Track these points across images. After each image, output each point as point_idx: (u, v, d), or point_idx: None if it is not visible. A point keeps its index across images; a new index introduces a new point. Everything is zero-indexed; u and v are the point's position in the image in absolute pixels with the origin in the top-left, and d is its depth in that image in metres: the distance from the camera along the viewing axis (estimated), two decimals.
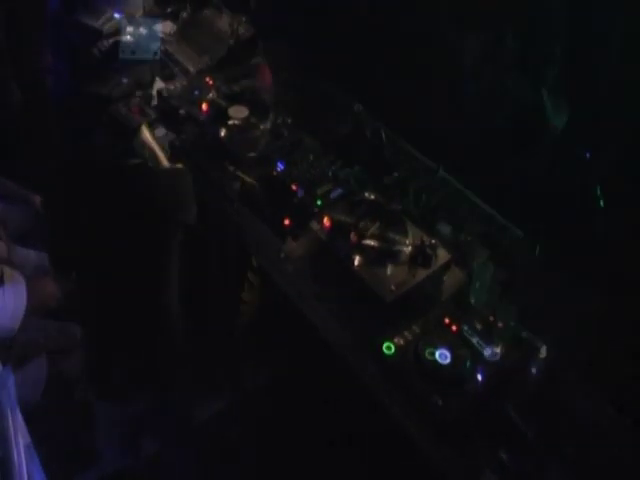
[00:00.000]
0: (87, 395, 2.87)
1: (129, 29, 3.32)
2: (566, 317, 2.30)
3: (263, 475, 2.81)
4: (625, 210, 2.26)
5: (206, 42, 3.40)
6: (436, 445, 2.05)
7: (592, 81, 2.25)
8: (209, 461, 2.87)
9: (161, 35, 3.38)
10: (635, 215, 2.22)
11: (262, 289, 2.83)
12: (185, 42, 3.43)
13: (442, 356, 2.17)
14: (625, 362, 2.19)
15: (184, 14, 3.53)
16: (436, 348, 2.18)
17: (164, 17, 3.49)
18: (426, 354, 2.17)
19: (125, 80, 3.30)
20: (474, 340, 2.21)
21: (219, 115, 2.92)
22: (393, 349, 2.21)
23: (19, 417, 1.99)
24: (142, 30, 3.33)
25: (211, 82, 3.16)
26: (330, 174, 2.73)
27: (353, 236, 2.42)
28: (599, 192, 2.24)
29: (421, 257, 2.36)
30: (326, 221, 2.48)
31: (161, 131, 3.02)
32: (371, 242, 2.40)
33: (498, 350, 2.20)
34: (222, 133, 2.87)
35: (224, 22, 3.42)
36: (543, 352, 2.22)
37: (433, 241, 2.40)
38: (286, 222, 2.58)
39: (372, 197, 2.57)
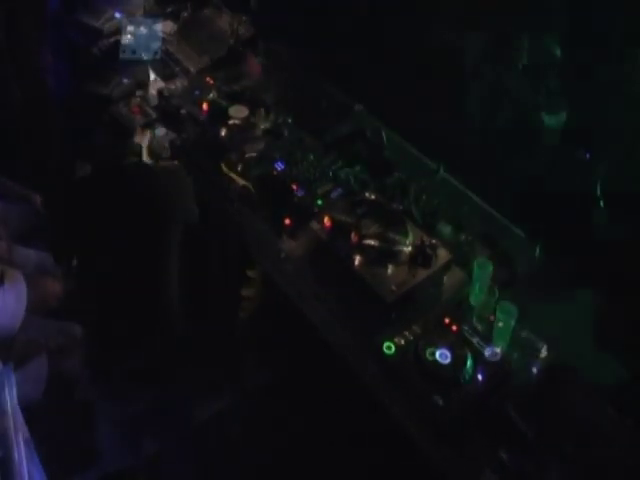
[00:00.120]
0: (87, 395, 2.87)
1: (129, 29, 3.33)
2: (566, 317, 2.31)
3: (263, 475, 2.81)
4: (625, 210, 2.26)
5: (206, 42, 3.41)
6: (436, 445, 2.05)
7: (591, 81, 2.25)
8: (209, 461, 2.86)
9: (161, 35, 3.39)
10: (635, 215, 2.22)
11: (262, 287, 2.84)
12: (185, 42, 3.44)
13: (442, 356, 2.17)
14: (625, 362, 2.18)
15: (184, 14, 3.54)
16: (436, 348, 2.18)
17: (164, 17, 3.49)
18: (426, 354, 2.17)
19: (125, 80, 3.31)
20: (474, 340, 2.21)
21: (219, 115, 2.93)
22: (393, 349, 2.21)
23: (20, 416, 2.00)
24: (142, 30, 3.34)
25: (211, 82, 3.16)
26: (330, 174, 2.73)
27: (354, 236, 2.43)
28: (599, 192, 2.24)
29: (421, 257, 2.36)
30: (327, 221, 2.49)
31: (161, 131, 3.02)
32: (371, 242, 2.41)
33: (498, 350, 2.20)
34: (222, 133, 2.87)
35: (224, 22, 3.44)
36: (543, 352, 2.22)
37: (433, 241, 2.41)
38: (287, 222, 2.59)
39: (373, 197, 2.58)
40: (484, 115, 2.62)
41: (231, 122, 2.90)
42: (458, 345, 2.20)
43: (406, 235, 2.42)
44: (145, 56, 3.37)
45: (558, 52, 2.34)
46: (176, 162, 2.89)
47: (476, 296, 2.33)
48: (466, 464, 2.02)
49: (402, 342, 2.23)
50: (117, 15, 3.35)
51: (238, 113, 2.92)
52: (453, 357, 2.16)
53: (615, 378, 2.17)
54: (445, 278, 2.40)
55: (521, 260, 2.48)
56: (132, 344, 2.71)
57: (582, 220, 2.35)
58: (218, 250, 2.93)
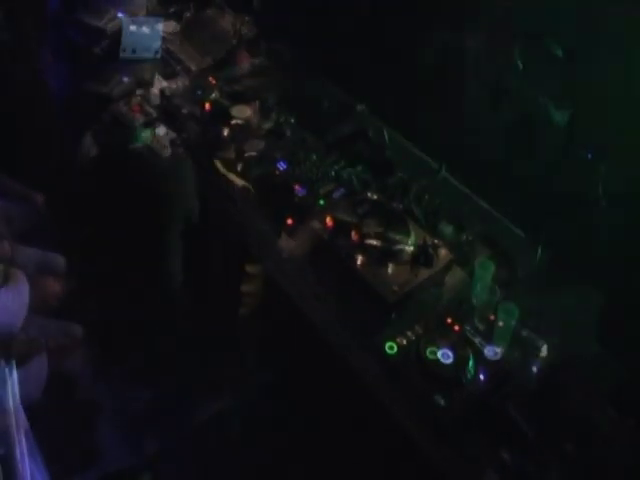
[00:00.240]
0: (88, 394, 2.88)
1: (130, 28, 3.32)
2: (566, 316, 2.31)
3: (263, 475, 2.81)
4: (626, 211, 2.27)
5: (209, 42, 3.41)
6: (438, 445, 2.06)
7: (592, 81, 2.26)
8: (209, 461, 2.86)
9: (163, 34, 3.39)
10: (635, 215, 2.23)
11: (263, 284, 2.84)
12: (188, 42, 3.43)
13: (444, 356, 2.17)
14: (625, 362, 2.19)
15: (187, 14, 3.53)
16: (438, 348, 2.19)
17: (167, 17, 3.49)
18: (428, 354, 2.18)
19: (126, 79, 3.31)
20: (476, 340, 2.22)
21: (222, 114, 2.93)
22: (395, 349, 2.22)
23: (22, 414, 2.00)
24: (143, 29, 3.34)
25: (214, 82, 3.16)
26: (333, 174, 2.73)
27: (355, 236, 2.43)
28: (600, 192, 2.25)
29: (423, 257, 2.37)
30: (328, 221, 2.49)
31: (162, 130, 3.03)
32: (373, 242, 2.41)
33: (499, 350, 2.20)
34: (225, 132, 2.87)
35: (227, 22, 3.43)
36: (544, 351, 2.22)
37: (435, 241, 2.41)
38: (288, 222, 2.59)
39: (375, 197, 2.59)
40: (485, 114, 2.62)
41: (234, 122, 2.90)
42: (460, 345, 2.20)
43: (408, 235, 2.43)
44: (145, 55, 3.37)
45: (559, 51, 2.35)
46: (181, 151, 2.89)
47: (477, 296, 2.33)
48: (468, 464, 2.02)
49: (404, 342, 2.24)
50: (120, 15, 3.34)
51: (240, 113, 2.93)
52: (455, 357, 2.17)
53: (615, 378, 2.18)
54: (447, 278, 2.41)
55: (522, 260, 2.49)
56: (133, 341, 2.71)
57: (583, 220, 2.36)
58: (219, 248, 2.94)
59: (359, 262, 2.39)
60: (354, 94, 3.10)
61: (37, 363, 2.51)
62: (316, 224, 2.52)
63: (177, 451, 2.90)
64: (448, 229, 2.53)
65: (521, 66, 2.46)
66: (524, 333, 2.26)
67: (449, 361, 2.16)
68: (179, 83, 3.21)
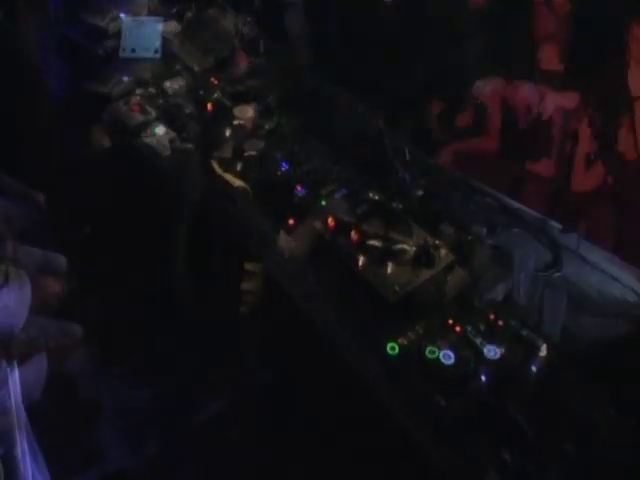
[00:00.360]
0: (88, 394, 2.87)
1: (130, 27, 3.32)
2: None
3: (263, 475, 2.81)
4: None
5: (210, 42, 3.40)
6: (439, 445, 2.06)
7: None
8: (209, 461, 2.86)
9: (162, 34, 3.39)
10: None
11: (263, 282, 2.83)
12: (190, 42, 3.43)
13: (446, 356, 2.18)
14: (625, 362, 2.20)
15: (189, 14, 3.53)
16: (440, 349, 2.19)
17: (169, 17, 3.49)
18: (430, 355, 2.18)
19: (125, 78, 3.31)
20: (477, 341, 2.22)
21: (224, 115, 2.93)
22: (397, 350, 2.22)
23: (23, 414, 1.99)
24: (143, 29, 3.34)
25: (216, 82, 3.16)
26: (334, 174, 2.74)
27: (354, 235, 2.43)
28: None
29: (425, 257, 2.37)
30: (330, 221, 2.49)
31: (161, 129, 3.03)
32: (375, 242, 2.41)
33: (499, 350, 2.21)
34: (227, 133, 2.87)
35: (228, 22, 3.43)
36: (543, 351, 2.23)
37: (437, 241, 2.42)
38: (290, 222, 2.59)
39: (376, 197, 2.59)
40: None
41: (236, 122, 2.90)
42: (461, 346, 2.21)
43: (410, 235, 2.43)
44: (145, 55, 3.37)
45: None
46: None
47: (478, 296, 2.34)
48: (469, 464, 2.02)
49: (405, 342, 2.24)
50: (122, 15, 3.34)
51: (243, 113, 2.93)
52: (456, 358, 2.17)
53: (615, 378, 2.18)
54: (449, 278, 2.41)
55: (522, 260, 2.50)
56: (133, 343, 2.72)
57: None
58: (219, 247, 2.94)
59: (360, 262, 2.39)
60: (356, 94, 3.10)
61: (37, 363, 2.50)
62: (317, 224, 2.52)
63: (177, 451, 2.89)
64: (450, 229, 2.53)
65: None
66: (524, 332, 2.26)
67: (450, 362, 2.16)
68: (180, 83, 3.21)
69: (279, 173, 2.74)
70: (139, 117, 3.12)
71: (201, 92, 3.08)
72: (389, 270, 2.37)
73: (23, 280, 2.33)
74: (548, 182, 3.00)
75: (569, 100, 2.88)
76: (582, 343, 2.25)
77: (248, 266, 2.78)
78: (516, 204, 2.72)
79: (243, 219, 2.72)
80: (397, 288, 2.32)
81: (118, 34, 3.32)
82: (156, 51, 3.36)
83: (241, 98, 3.02)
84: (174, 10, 3.55)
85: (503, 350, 2.21)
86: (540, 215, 2.67)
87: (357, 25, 3.13)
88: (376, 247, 2.41)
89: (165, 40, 3.37)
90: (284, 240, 2.57)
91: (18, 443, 1.92)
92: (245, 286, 2.82)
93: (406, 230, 2.44)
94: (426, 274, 2.36)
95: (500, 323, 2.23)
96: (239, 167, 2.81)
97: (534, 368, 2.20)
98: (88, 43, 3.38)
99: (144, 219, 3.18)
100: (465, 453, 2.02)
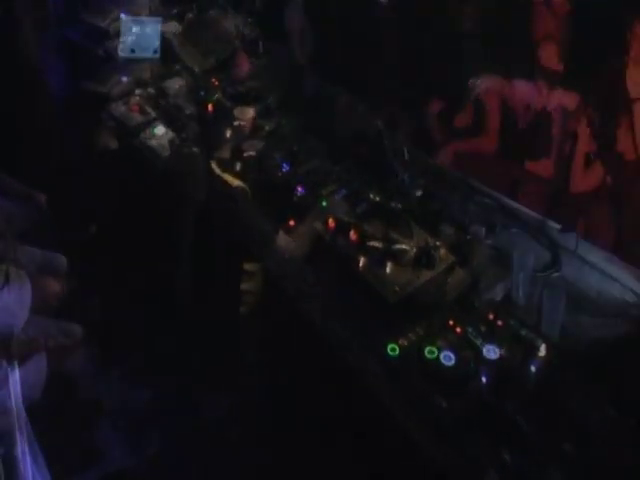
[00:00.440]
0: (88, 394, 2.87)
1: (129, 28, 3.32)
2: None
3: (263, 475, 2.81)
4: None
5: (211, 43, 3.40)
6: (440, 446, 2.06)
7: None
8: (209, 461, 2.86)
9: (162, 34, 3.38)
10: None
11: (262, 282, 2.84)
12: (190, 42, 3.43)
13: (446, 358, 2.18)
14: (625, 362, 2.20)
15: (189, 14, 3.53)
16: (440, 350, 2.19)
17: (170, 17, 3.49)
18: (430, 356, 2.18)
19: (124, 78, 3.31)
20: (478, 342, 2.22)
21: (224, 115, 2.93)
22: (397, 350, 2.22)
23: (23, 414, 2.00)
24: (142, 29, 3.34)
25: (216, 82, 3.16)
26: (334, 174, 2.74)
27: (357, 237, 2.44)
28: None
29: (425, 258, 2.37)
30: (330, 222, 2.50)
31: (160, 130, 3.03)
32: (375, 243, 2.42)
33: (499, 350, 2.21)
34: (227, 134, 2.87)
35: (229, 23, 3.43)
36: (542, 351, 2.23)
37: (437, 242, 2.42)
38: (290, 222, 2.59)
39: (377, 198, 2.59)
40: None
41: (236, 123, 2.90)
42: (462, 347, 2.21)
43: (410, 236, 2.43)
44: (144, 55, 3.36)
45: None
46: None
47: (479, 297, 2.34)
48: (468, 464, 2.03)
49: (406, 343, 2.24)
50: (122, 16, 3.34)
51: (243, 114, 2.93)
52: (457, 359, 2.17)
53: (615, 378, 2.19)
54: (449, 279, 2.41)
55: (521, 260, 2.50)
56: (133, 343, 2.72)
57: None
58: (219, 247, 2.94)
59: (361, 263, 2.39)
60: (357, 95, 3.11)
61: (37, 363, 2.51)
62: (318, 225, 2.53)
63: (177, 451, 2.89)
64: (450, 230, 2.53)
65: None
66: (523, 332, 2.26)
67: (450, 363, 2.16)
68: (179, 83, 3.21)
69: (279, 174, 2.74)
70: (138, 117, 3.12)
71: (201, 93, 3.08)
72: (389, 271, 2.37)
73: (23, 280, 2.33)
74: (547, 182, 3.00)
75: (569, 100, 2.88)
76: (581, 343, 2.25)
77: (248, 266, 2.78)
78: (515, 204, 2.72)
79: (243, 219, 2.71)
80: (397, 289, 2.32)
81: (119, 34, 3.32)
82: (155, 51, 3.36)
83: (241, 99, 3.02)
84: (175, 11, 3.55)
85: (503, 350, 2.21)
86: (539, 215, 2.68)
87: (356, 25, 3.12)
88: (376, 248, 2.41)
89: (165, 40, 3.36)
90: (284, 240, 2.57)
91: (18, 443, 1.92)
92: (245, 286, 2.83)
93: (406, 231, 2.45)
94: (426, 275, 2.36)
95: (500, 323, 2.23)
96: (238, 168, 2.81)
97: (533, 368, 2.21)
98: (88, 43, 3.37)
99: (144, 219, 3.18)
100: (465, 453, 2.02)
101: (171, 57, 3.36)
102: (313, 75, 3.27)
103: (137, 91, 3.25)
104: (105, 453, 2.84)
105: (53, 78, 3.48)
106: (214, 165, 2.80)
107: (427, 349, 2.19)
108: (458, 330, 2.26)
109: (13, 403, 2.00)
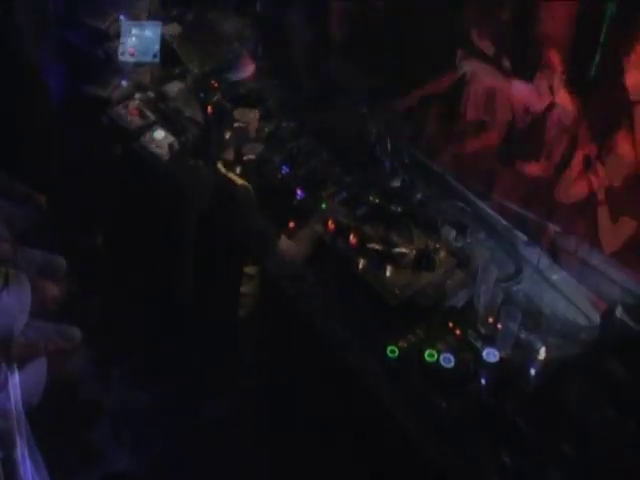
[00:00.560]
0: (88, 394, 2.87)
1: (129, 31, 3.31)
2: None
3: (263, 475, 2.82)
4: None
5: (211, 45, 3.39)
6: (439, 447, 2.07)
7: None
8: (209, 462, 2.87)
9: (161, 37, 3.37)
10: None
11: (261, 284, 2.84)
12: (190, 44, 3.42)
13: (446, 360, 2.19)
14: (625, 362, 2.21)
15: (189, 16, 3.52)
16: (440, 352, 2.20)
17: (169, 19, 3.48)
18: (430, 358, 2.19)
19: (124, 82, 3.30)
20: (477, 344, 2.23)
21: (224, 118, 2.93)
22: (397, 352, 2.23)
23: (23, 417, 2.00)
24: (142, 32, 3.33)
25: (216, 85, 3.15)
26: (335, 177, 2.74)
27: (352, 238, 2.44)
28: None
29: (425, 261, 2.38)
30: (330, 224, 2.50)
31: (160, 133, 3.03)
32: (375, 246, 2.42)
33: (499, 352, 2.22)
34: (227, 135, 2.87)
35: (229, 25, 3.42)
36: (542, 353, 2.24)
37: (437, 245, 2.42)
38: (290, 225, 2.59)
39: (377, 201, 2.59)
40: None
41: (236, 125, 2.90)
42: (461, 349, 2.22)
43: (410, 239, 2.44)
44: (144, 59, 3.35)
45: None
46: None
47: (479, 299, 2.34)
48: (468, 464, 2.04)
49: (405, 346, 2.25)
50: (122, 18, 3.33)
51: (243, 116, 2.93)
52: (456, 361, 2.18)
53: (615, 378, 2.19)
54: (449, 282, 2.42)
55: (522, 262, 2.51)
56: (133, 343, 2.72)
57: None
58: (219, 249, 2.95)
59: (361, 265, 2.39)
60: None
61: (36, 367, 2.50)
62: (318, 227, 2.53)
63: (177, 452, 2.90)
64: (451, 233, 2.53)
65: None
66: (523, 334, 2.26)
67: (450, 365, 2.17)
68: (179, 86, 3.20)
69: (279, 176, 2.74)
70: (138, 121, 3.12)
71: (201, 95, 3.07)
72: (389, 273, 2.37)
73: (23, 283, 2.32)
74: (545, 183, 3.00)
75: (568, 101, 2.88)
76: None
77: (247, 269, 2.79)
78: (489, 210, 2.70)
79: (244, 220, 2.72)
80: (397, 291, 2.32)
81: (118, 36, 3.31)
82: (155, 55, 3.34)
83: (241, 101, 3.01)
84: (174, 13, 3.54)
85: (504, 353, 2.22)
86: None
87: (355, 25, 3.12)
88: (377, 250, 2.41)
89: (165, 43, 3.35)
90: (285, 243, 2.57)
91: (18, 446, 1.93)
92: (244, 288, 2.83)
93: (406, 233, 2.45)
94: (426, 277, 2.37)
95: (501, 327, 2.24)
96: (239, 170, 2.80)
97: (533, 370, 2.22)
98: (88, 46, 3.36)
99: (144, 220, 3.18)
100: (465, 453, 2.03)
101: (171, 60, 3.35)
102: (313, 75, 3.26)
103: (137, 95, 3.25)
104: (105, 453, 2.85)
105: (53, 79, 3.48)
106: (219, 165, 2.80)
107: (427, 352, 2.20)
108: (458, 332, 2.27)
109: (13, 406, 2.00)
